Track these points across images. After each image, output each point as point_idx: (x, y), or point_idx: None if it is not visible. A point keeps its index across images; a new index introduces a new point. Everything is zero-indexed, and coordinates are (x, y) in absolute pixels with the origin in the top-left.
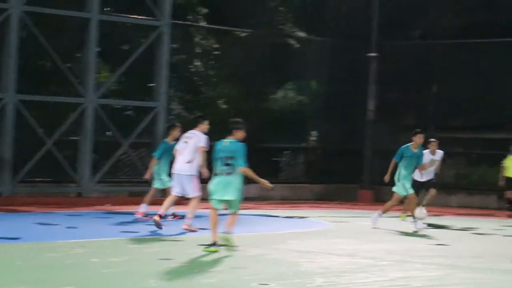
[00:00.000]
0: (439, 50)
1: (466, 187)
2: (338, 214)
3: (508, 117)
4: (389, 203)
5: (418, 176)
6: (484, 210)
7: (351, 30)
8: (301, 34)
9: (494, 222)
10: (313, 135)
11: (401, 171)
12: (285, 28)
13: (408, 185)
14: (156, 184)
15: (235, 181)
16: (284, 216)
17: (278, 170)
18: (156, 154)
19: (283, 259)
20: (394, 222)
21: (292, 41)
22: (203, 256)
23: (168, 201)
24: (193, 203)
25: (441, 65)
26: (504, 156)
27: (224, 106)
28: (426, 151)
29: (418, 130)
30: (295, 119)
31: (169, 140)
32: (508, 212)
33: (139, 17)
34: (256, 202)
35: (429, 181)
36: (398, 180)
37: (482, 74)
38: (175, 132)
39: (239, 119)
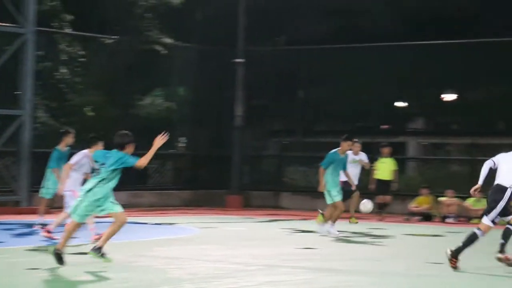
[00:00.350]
0: (305, 56)
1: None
2: (207, 220)
3: (374, 121)
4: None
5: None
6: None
7: (218, 36)
8: (168, 40)
9: (362, 225)
10: (182, 142)
11: (327, 179)
12: (151, 34)
13: (334, 192)
14: (41, 193)
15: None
16: (153, 223)
17: (147, 177)
18: (53, 165)
19: (151, 266)
20: (264, 226)
21: (159, 48)
22: (70, 265)
23: (60, 217)
24: (61, 215)
25: (307, 71)
26: (374, 159)
27: (91, 114)
28: (348, 152)
29: (347, 135)
30: (163, 126)
31: (61, 147)
32: (378, 216)
33: (3, 24)
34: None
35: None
36: (325, 188)
37: (348, 79)
38: (68, 139)
39: (126, 132)
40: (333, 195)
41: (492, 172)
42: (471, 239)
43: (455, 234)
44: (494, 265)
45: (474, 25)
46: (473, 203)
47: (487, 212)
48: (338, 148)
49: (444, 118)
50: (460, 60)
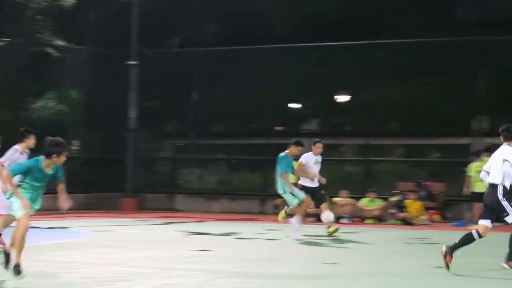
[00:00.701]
0: (199, 58)
1: (228, 193)
2: (102, 223)
3: (268, 122)
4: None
5: (309, 182)
6: (246, 214)
7: (111, 38)
8: (60, 42)
9: (256, 227)
10: (75, 145)
11: (283, 183)
12: (43, 36)
13: (289, 197)
14: None
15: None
16: (46, 227)
17: None
18: None
19: (45, 271)
20: (159, 229)
21: (51, 50)
22: None
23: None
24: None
25: (200, 73)
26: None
27: None
28: (309, 153)
29: (297, 140)
30: (56, 129)
31: None
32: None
33: None
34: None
35: (319, 187)
36: (284, 192)
37: (242, 81)
38: None
39: (59, 140)
40: (290, 201)
41: None
42: None
43: (349, 234)
44: (401, 267)
45: (367, 27)
46: (367, 203)
47: (505, 215)
48: (286, 151)
49: (338, 119)
50: (353, 61)
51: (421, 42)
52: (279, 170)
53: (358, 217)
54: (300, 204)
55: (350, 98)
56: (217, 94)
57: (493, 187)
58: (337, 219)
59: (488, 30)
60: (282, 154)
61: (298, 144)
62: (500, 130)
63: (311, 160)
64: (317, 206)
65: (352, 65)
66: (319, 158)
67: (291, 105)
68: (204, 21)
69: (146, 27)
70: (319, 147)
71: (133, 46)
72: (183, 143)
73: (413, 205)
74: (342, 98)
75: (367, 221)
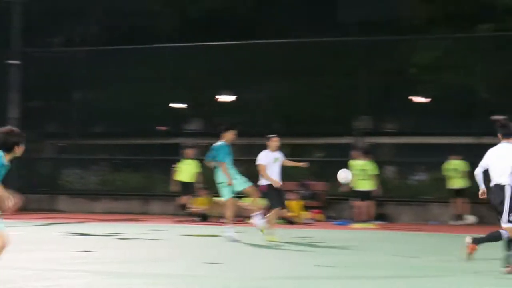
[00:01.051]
0: (81, 57)
1: (110, 193)
2: None
3: (150, 122)
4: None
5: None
6: (128, 215)
7: None
8: None
9: (139, 227)
10: None
11: (219, 173)
12: None
13: (226, 190)
14: None
15: None
16: None
17: None
18: None
19: None
20: (41, 230)
21: None
22: None
23: None
24: None
25: (83, 72)
26: (176, 161)
27: None
28: (266, 151)
29: (228, 125)
30: None
31: None
32: (186, 218)
33: None
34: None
35: (283, 189)
36: (222, 183)
37: (124, 81)
38: None
39: (15, 128)
40: (224, 193)
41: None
42: (495, 235)
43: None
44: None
45: (250, 27)
46: (250, 202)
47: (500, 216)
48: (223, 140)
49: (221, 119)
50: (236, 61)
51: (303, 42)
52: (219, 160)
53: (241, 217)
54: (228, 203)
55: (234, 98)
56: (99, 94)
57: (500, 188)
58: (218, 218)
59: (369, 31)
60: (218, 143)
61: (228, 128)
62: (497, 126)
63: (270, 159)
64: (283, 207)
65: (235, 65)
66: (277, 154)
67: (173, 105)
68: (88, 20)
69: (29, 26)
70: (275, 141)
71: (14, 46)
72: (65, 144)
73: (294, 205)
74: (225, 98)
75: (249, 220)
